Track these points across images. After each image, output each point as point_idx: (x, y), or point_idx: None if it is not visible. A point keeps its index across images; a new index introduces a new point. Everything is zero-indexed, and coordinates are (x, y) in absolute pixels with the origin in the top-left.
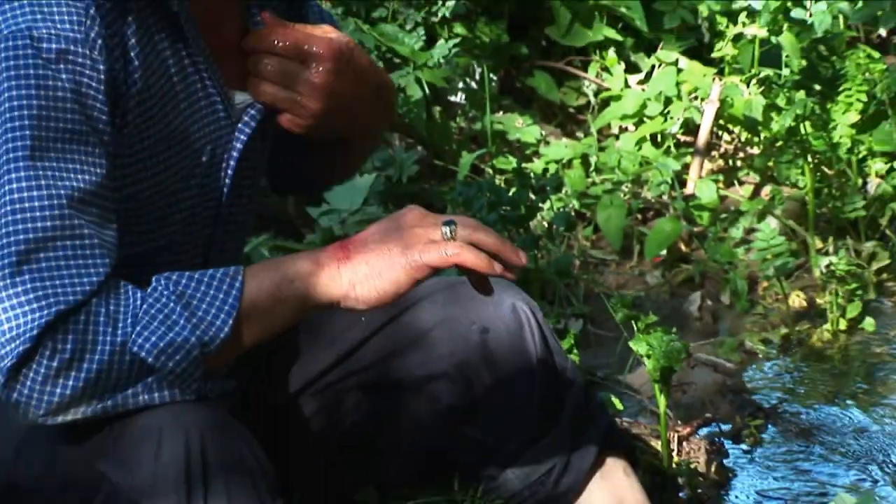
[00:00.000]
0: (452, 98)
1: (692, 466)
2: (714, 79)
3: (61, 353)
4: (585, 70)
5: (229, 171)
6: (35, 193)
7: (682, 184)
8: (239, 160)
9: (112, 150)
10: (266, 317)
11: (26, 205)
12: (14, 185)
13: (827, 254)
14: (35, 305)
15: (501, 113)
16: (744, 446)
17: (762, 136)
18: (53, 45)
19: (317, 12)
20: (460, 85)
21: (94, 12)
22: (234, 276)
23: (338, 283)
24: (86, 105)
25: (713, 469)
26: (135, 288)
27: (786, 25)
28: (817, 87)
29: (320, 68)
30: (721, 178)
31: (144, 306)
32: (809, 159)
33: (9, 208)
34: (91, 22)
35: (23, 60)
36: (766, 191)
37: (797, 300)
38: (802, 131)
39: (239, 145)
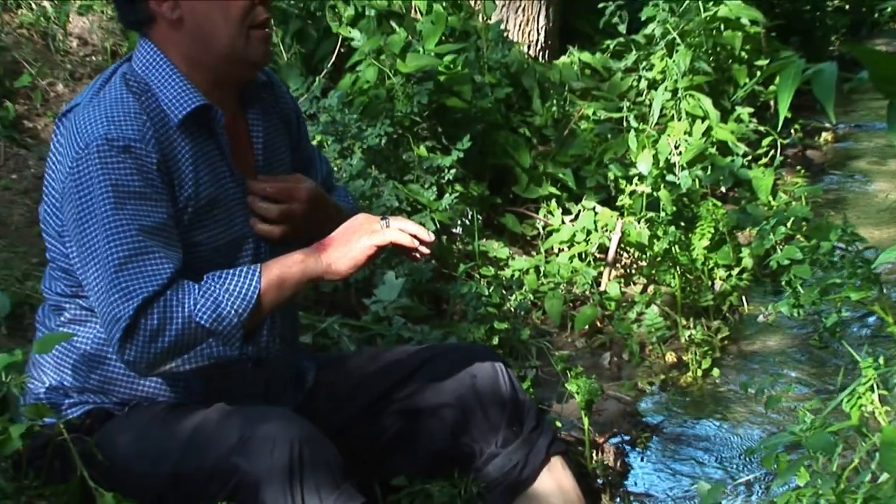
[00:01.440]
0: (454, 230)
1: (605, 463)
2: (618, 219)
3: (150, 325)
4: (537, 212)
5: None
6: (120, 229)
7: (598, 284)
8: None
9: (174, 212)
10: (277, 290)
11: (115, 236)
12: (106, 225)
13: (689, 328)
14: (129, 296)
15: (485, 240)
16: (638, 450)
17: (648, 254)
18: (121, 143)
19: (284, 91)
20: (458, 222)
21: (149, 124)
22: (254, 269)
23: (320, 264)
24: (147, 179)
25: (618, 465)
26: (193, 283)
27: (663, 185)
28: (682, 224)
29: (299, 202)
30: (622, 280)
31: (200, 292)
32: (678, 269)
33: (105, 241)
34: (146, 129)
35: (103, 153)
36: (651, 289)
37: (670, 357)
38: (673, 252)
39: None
